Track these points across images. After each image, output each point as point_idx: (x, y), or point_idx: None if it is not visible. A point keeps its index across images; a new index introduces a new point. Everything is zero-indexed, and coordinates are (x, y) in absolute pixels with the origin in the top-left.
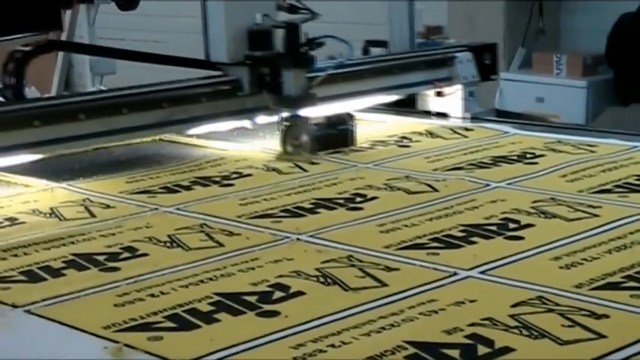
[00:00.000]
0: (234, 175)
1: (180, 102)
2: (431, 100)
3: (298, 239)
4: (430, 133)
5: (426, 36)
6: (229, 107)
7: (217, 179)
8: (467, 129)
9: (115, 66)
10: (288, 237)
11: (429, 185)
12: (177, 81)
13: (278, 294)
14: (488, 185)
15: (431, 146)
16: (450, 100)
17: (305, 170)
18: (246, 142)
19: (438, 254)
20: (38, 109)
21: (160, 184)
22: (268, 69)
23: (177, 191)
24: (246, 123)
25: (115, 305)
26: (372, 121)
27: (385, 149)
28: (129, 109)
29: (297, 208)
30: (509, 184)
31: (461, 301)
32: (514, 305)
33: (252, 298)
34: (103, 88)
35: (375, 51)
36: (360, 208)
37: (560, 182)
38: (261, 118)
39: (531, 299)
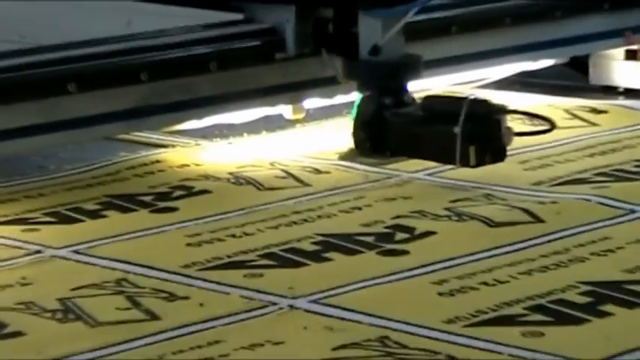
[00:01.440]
0: (179, 192)
1: (171, 72)
2: (617, 67)
3: (292, 307)
4: None
5: None
6: (260, 80)
7: (147, 199)
8: (596, 110)
9: None
10: (274, 303)
11: (527, 211)
12: (161, 32)
13: None
14: (633, 212)
15: (531, 141)
16: None
17: (304, 183)
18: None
19: (542, 334)
20: None
21: (45, 207)
22: (332, 10)
23: (77, 220)
24: (283, 109)
25: None
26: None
27: None
28: (79, 84)
29: (291, 250)
30: None
31: None
32: None
33: None
34: None
35: None
36: (403, 252)
37: None
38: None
39: None
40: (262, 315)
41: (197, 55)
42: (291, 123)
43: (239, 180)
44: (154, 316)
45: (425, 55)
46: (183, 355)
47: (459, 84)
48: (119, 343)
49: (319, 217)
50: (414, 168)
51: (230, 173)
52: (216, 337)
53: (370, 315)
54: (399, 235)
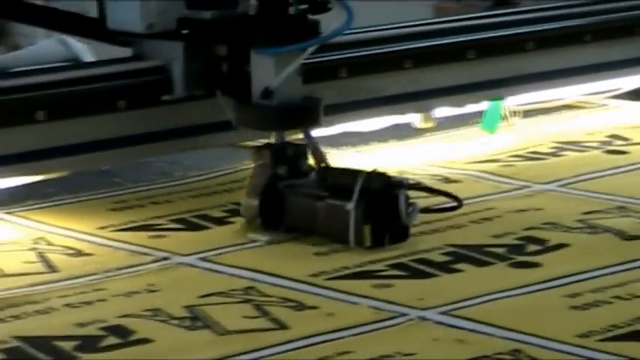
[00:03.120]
0: None
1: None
2: None
3: (422, 318)
4: None
5: None
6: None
7: None
8: None
9: None
10: (404, 314)
11: None
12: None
13: None
14: None
15: None
16: None
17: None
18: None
19: None
20: None
21: (172, 213)
22: (226, 48)
23: (203, 227)
24: (412, 118)
25: None
26: (553, 107)
27: (581, 157)
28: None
29: (420, 261)
30: None
31: None
32: None
33: None
34: None
35: None
36: (535, 264)
37: None
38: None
39: None
40: (392, 326)
41: (325, 61)
42: (419, 132)
43: None
44: (281, 326)
45: (555, 64)
46: None
47: (592, 94)
48: (247, 352)
49: (449, 227)
50: (545, 179)
51: None
52: (344, 348)
53: (502, 328)
54: (531, 247)
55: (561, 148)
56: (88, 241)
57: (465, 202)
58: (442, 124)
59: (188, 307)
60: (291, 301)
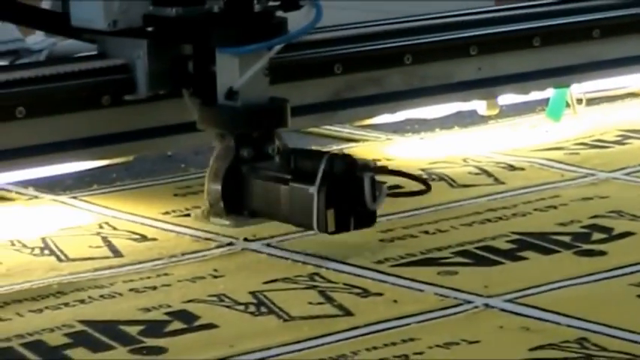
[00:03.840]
0: None
1: (364, 65)
2: None
3: (487, 306)
4: None
5: None
6: (452, 75)
7: None
8: None
9: None
10: (469, 302)
11: None
12: (349, 25)
13: None
14: None
15: None
16: None
17: (498, 181)
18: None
19: None
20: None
21: None
22: (192, 46)
23: None
24: (477, 105)
25: None
26: (618, 95)
27: None
28: (271, 77)
29: (485, 248)
30: None
31: None
32: None
33: None
34: None
35: None
36: (601, 253)
37: None
38: None
39: None
40: (457, 313)
41: (390, 47)
42: (484, 119)
43: (431, 176)
44: (346, 312)
45: (621, 52)
46: (378, 353)
47: None
48: (312, 339)
49: (514, 215)
50: (610, 167)
51: (422, 169)
52: (410, 335)
53: (568, 316)
54: (596, 235)
55: (626, 136)
56: (152, 226)
57: (530, 189)
58: (507, 112)
59: (253, 293)
60: (356, 287)
